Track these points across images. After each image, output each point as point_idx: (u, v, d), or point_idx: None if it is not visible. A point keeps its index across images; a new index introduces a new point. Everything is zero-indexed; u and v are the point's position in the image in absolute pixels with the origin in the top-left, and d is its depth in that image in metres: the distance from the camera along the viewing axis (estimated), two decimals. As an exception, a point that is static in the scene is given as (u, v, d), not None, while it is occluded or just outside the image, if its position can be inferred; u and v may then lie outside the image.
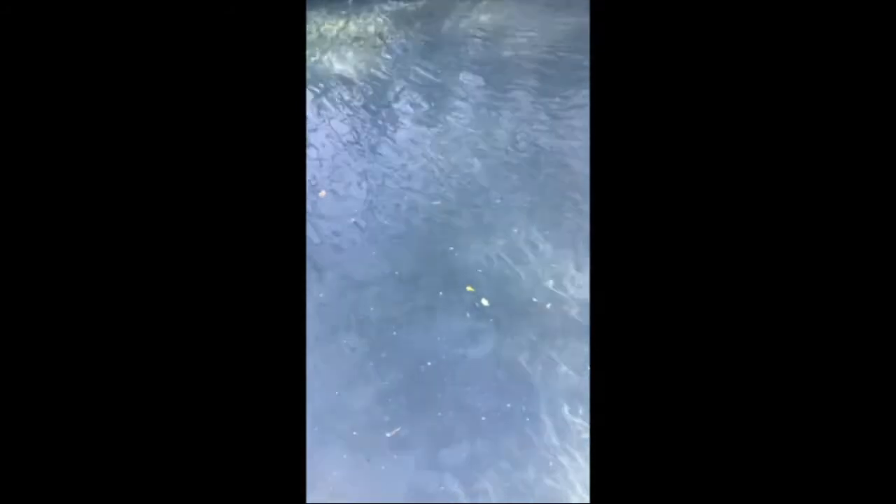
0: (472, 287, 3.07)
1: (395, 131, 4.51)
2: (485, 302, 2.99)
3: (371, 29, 6.19)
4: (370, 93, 5.04)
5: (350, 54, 5.68)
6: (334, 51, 5.74)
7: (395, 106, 4.85)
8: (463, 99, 4.88)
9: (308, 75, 5.26)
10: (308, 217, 3.63)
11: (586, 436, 2.41)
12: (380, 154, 4.24)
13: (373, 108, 4.84)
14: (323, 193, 3.79)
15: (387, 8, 6.64)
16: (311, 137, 4.45)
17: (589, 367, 2.66)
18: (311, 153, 4.27)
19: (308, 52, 5.62)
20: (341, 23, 6.34)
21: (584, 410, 2.50)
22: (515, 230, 3.46)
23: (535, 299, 3.01)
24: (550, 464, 2.32)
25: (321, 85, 5.16)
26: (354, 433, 2.45)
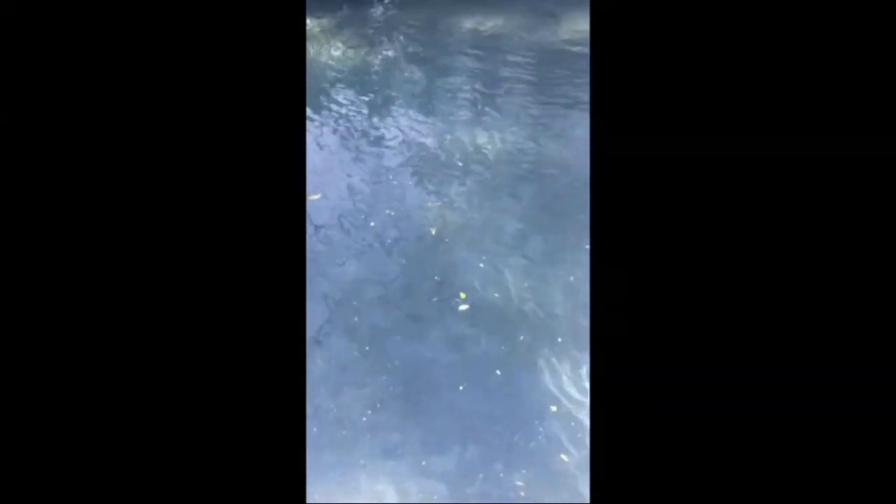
0: (465, 294, 3.07)
1: (387, 135, 4.50)
2: (463, 307, 3.00)
3: (365, 32, 6.19)
4: (362, 97, 5.04)
5: (343, 58, 5.68)
6: (327, 54, 5.74)
7: (388, 110, 4.84)
8: (457, 104, 4.88)
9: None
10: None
11: (583, 438, 2.41)
12: (371, 158, 4.24)
13: (365, 111, 4.84)
14: (316, 196, 3.77)
15: (381, 11, 6.64)
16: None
17: (584, 371, 2.66)
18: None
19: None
20: (335, 26, 6.34)
21: (579, 412, 2.51)
22: (511, 235, 3.47)
23: (528, 303, 3.02)
24: (546, 466, 2.33)
25: (312, 88, 5.15)
26: (346, 435, 2.45)
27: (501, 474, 2.31)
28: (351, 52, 5.81)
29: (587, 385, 2.60)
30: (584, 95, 4.82)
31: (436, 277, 3.21)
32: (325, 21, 6.43)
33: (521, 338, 2.85)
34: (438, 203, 3.76)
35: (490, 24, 6.23)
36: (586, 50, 5.42)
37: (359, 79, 5.35)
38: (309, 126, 4.64)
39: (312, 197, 3.81)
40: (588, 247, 3.21)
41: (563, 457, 2.32)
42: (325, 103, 4.99)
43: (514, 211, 3.67)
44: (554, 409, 2.51)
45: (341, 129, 4.64)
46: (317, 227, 3.57)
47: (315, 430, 2.47)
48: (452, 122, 4.65)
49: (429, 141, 4.43)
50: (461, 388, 2.60)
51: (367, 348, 2.82)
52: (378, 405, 2.57)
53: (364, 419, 2.52)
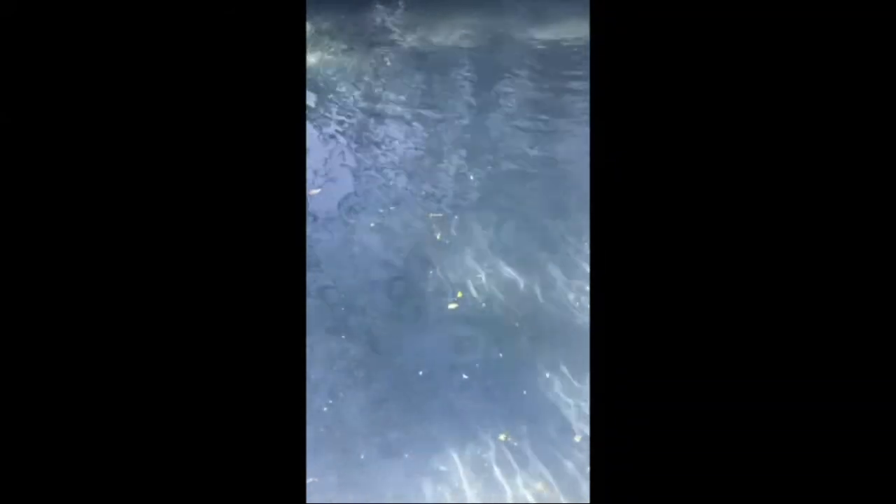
0: (462, 293, 3.07)
1: (387, 136, 4.50)
2: (452, 306, 3.00)
3: (365, 34, 6.19)
4: (361, 99, 5.04)
5: (343, 59, 5.68)
6: (326, 55, 5.74)
7: (387, 111, 4.84)
8: (456, 105, 4.88)
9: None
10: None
11: (580, 441, 2.41)
12: (370, 158, 4.23)
13: (364, 112, 4.84)
14: (316, 191, 3.76)
15: (379, 16, 6.64)
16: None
17: (579, 373, 2.66)
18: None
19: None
20: (334, 27, 6.34)
21: (577, 415, 2.51)
22: (508, 238, 3.46)
23: (529, 304, 3.02)
24: (544, 468, 2.33)
25: (312, 88, 5.16)
26: (346, 435, 2.45)
27: (500, 474, 2.31)
28: (350, 54, 5.81)
29: (586, 387, 2.60)
30: (584, 96, 4.82)
31: (430, 272, 3.22)
32: (323, 22, 6.43)
33: (521, 339, 2.85)
34: (438, 204, 3.76)
35: (489, 24, 6.23)
36: (586, 50, 5.41)
37: (358, 80, 5.35)
38: (309, 126, 4.63)
39: (312, 192, 3.80)
40: (588, 248, 3.21)
41: (540, 486, 2.31)
42: (325, 104, 4.99)
43: (515, 212, 3.67)
44: (504, 436, 2.49)
45: (341, 129, 4.63)
46: (316, 226, 3.57)
47: (314, 430, 2.47)
48: (452, 123, 4.65)
49: (428, 141, 4.43)
50: (460, 388, 2.60)
51: (367, 348, 2.82)
52: (377, 405, 2.57)
53: (364, 419, 2.52)
